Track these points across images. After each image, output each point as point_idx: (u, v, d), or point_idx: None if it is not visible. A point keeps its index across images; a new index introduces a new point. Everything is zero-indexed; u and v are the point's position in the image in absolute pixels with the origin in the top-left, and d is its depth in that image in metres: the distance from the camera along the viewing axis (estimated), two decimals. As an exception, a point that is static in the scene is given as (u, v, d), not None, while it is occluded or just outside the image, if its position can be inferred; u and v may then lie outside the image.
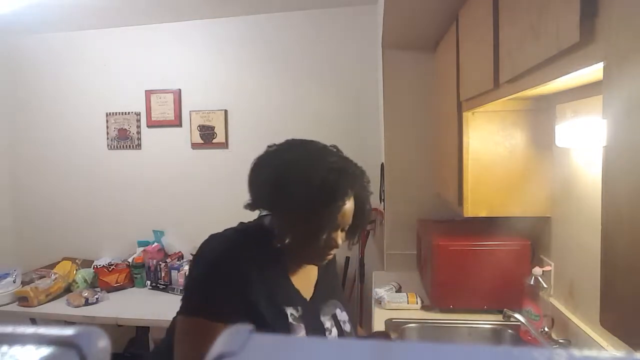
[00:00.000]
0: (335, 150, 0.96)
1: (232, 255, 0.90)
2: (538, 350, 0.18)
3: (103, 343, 0.19)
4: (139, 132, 3.04)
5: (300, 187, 0.87)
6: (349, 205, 0.92)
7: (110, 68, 3.06)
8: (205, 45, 2.93)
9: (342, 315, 1.05)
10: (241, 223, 1.02)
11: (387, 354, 0.18)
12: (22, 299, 2.40)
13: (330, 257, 0.98)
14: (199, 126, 2.95)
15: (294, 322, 0.91)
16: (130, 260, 2.74)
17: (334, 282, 1.14)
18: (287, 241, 0.91)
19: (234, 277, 0.87)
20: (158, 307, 2.34)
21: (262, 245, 0.93)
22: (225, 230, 0.97)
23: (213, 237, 0.95)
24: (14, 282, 2.50)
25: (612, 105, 0.57)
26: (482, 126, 1.55)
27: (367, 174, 0.96)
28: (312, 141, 0.97)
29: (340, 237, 0.95)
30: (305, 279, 1.01)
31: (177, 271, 2.60)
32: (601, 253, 0.60)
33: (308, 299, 0.99)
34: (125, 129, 3.06)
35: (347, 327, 1.04)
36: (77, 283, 2.60)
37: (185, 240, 2.83)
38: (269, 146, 0.98)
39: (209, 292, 0.86)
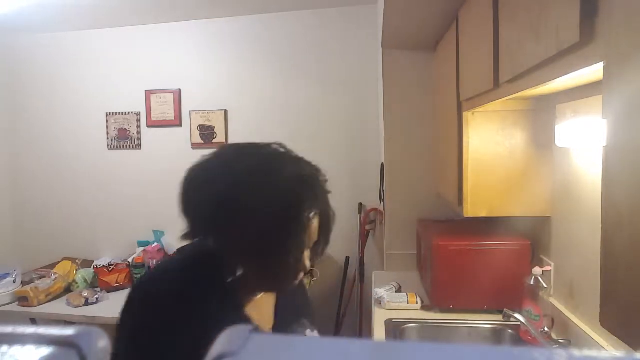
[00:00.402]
0: (284, 150, 0.78)
1: (172, 312, 0.70)
2: (538, 350, 0.18)
3: (103, 343, 0.19)
4: (139, 132, 3.05)
5: (260, 205, 0.69)
6: (316, 218, 0.76)
7: (110, 68, 3.06)
8: (205, 45, 2.93)
9: (313, 335, 0.91)
10: (179, 250, 0.83)
11: (387, 354, 0.18)
12: (22, 299, 2.40)
13: (297, 282, 0.81)
14: (199, 126, 2.95)
15: None
16: (130, 260, 2.74)
17: (298, 299, 0.95)
18: (240, 273, 0.75)
19: (178, 339, 0.69)
20: (158, 307, 2.34)
21: (209, 281, 0.75)
22: (158, 269, 0.80)
23: (144, 285, 0.78)
24: (14, 282, 2.50)
25: (612, 105, 0.57)
26: (482, 126, 1.55)
27: (324, 170, 0.81)
28: (255, 144, 0.78)
29: (307, 257, 0.78)
30: (262, 307, 0.86)
31: (177, 271, 2.60)
32: (601, 253, 0.60)
33: (269, 328, 0.85)
34: (125, 129, 3.06)
35: None
36: (77, 283, 2.60)
37: (185, 240, 2.83)
38: (204, 156, 0.77)
39: None
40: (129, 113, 3.05)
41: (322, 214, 0.77)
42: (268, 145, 0.77)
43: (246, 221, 0.70)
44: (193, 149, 2.97)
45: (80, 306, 2.39)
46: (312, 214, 0.73)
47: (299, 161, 0.77)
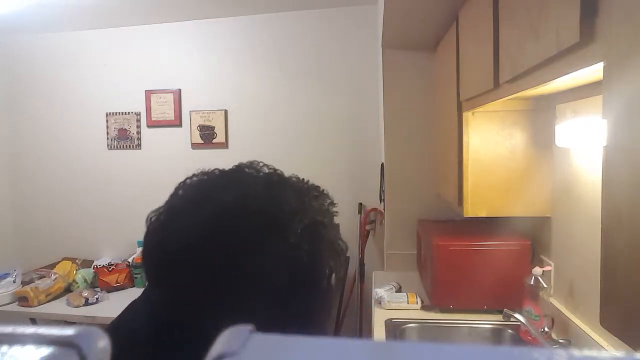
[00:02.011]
0: (278, 179, 0.53)
1: None
2: (538, 350, 0.18)
3: (103, 343, 0.19)
4: (139, 132, 3.05)
5: (289, 264, 0.47)
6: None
7: (110, 68, 3.06)
8: (205, 45, 2.93)
9: None
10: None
11: (387, 354, 0.18)
12: (22, 299, 2.40)
13: None
14: (199, 126, 2.95)
15: None
16: (130, 260, 2.74)
17: None
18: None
19: None
20: (158, 307, 2.34)
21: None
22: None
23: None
24: (14, 282, 2.50)
25: (612, 105, 0.57)
26: (482, 126, 1.55)
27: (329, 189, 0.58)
28: (233, 176, 0.53)
29: None
30: None
31: (177, 271, 2.60)
32: (601, 253, 0.60)
33: None
34: (125, 129, 3.06)
35: None
36: (77, 283, 2.60)
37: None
38: (183, 183, 0.55)
39: None
40: (129, 113, 3.05)
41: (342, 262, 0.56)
42: (277, 175, 0.54)
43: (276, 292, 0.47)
44: (193, 149, 2.97)
45: (80, 306, 2.39)
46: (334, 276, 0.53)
47: (310, 187, 0.55)
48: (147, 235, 0.51)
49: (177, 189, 0.53)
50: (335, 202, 0.56)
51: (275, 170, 0.54)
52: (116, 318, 0.55)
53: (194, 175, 0.54)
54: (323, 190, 0.56)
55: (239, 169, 0.54)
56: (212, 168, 0.54)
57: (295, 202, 0.50)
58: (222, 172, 0.53)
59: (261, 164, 0.54)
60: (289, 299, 0.48)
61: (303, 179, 0.56)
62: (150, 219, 0.52)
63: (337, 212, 0.56)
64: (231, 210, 0.48)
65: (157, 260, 0.50)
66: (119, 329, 0.53)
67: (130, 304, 0.57)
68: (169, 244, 0.48)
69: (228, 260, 0.46)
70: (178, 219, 0.50)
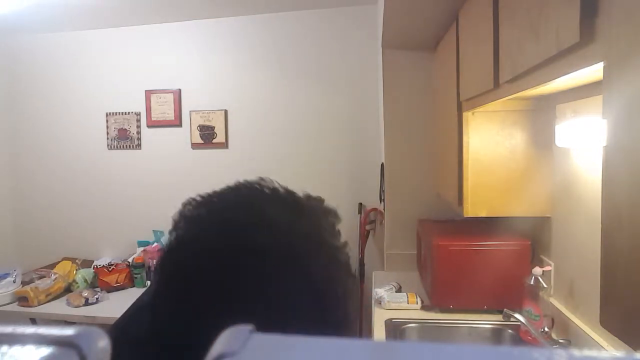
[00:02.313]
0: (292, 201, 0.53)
1: None
2: (538, 350, 0.18)
3: (103, 343, 0.19)
4: (139, 132, 3.05)
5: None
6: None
7: (110, 68, 3.06)
8: (205, 45, 2.93)
9: None
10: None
11: (387, 354, 0.18)
12: (22, 299, 2.40)
13: None
14: (199, 126, 2.95)
15: None
16: (130, 260, 2.74)
17: None
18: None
19: None
20: (158, 307, 2.33)
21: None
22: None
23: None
24: (14, 282, 2.50)
25: (612, 105, 0.57)
26: (482, 126, 1.55)
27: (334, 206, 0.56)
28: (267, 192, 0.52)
29: None
30: None
31: (177, 271, 2.60)
32: (601, 253, 0.60)
33: None
34: (125, 129, 3.06)
35: None
36: (77, 283, 2.60)
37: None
38: (193, 200, 0.52)
39: None
40: (129, 113, 3.05)
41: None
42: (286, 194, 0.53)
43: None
44: (193, 149, 2.97)
45: (80, 306, 2.39)
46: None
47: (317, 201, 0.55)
48: (163, 250, 0.52)
49: (184, 205, 0.53)
50: (339, 215, 0.56)
51: (286, 189, 0.54)
52: (117, 320, 0.56)
53: (206, 194, 0.54)
54: (327, 206, 0.56)
55: (250, 185, 0.54)
56: (221, 187, 0.54)
57: (310, 226, 0.51)
58: (230, 189, 0.54)
59: (275, 182, 0.54)
60: (295, 310, 0.47)
61: (311, 195, 0.56)
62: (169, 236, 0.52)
63: (340, 220, 0.56)
64: (241, 225, 0.49)
65: (164, 266, 0.52)
66: (120, 330, 0.54)
67: (131, 306, 0.58)
68: (179, 252, 0.50)
69: (233, 265, 0.47)
70: (189, 232, 0.51)
